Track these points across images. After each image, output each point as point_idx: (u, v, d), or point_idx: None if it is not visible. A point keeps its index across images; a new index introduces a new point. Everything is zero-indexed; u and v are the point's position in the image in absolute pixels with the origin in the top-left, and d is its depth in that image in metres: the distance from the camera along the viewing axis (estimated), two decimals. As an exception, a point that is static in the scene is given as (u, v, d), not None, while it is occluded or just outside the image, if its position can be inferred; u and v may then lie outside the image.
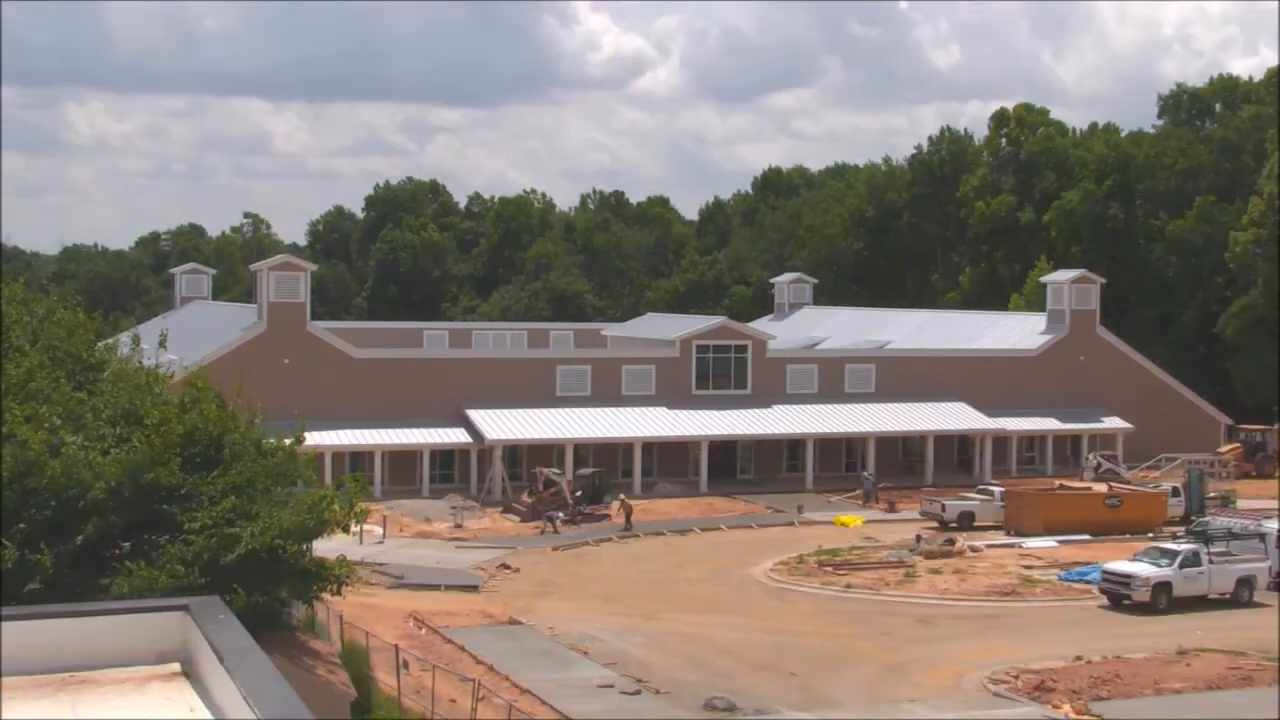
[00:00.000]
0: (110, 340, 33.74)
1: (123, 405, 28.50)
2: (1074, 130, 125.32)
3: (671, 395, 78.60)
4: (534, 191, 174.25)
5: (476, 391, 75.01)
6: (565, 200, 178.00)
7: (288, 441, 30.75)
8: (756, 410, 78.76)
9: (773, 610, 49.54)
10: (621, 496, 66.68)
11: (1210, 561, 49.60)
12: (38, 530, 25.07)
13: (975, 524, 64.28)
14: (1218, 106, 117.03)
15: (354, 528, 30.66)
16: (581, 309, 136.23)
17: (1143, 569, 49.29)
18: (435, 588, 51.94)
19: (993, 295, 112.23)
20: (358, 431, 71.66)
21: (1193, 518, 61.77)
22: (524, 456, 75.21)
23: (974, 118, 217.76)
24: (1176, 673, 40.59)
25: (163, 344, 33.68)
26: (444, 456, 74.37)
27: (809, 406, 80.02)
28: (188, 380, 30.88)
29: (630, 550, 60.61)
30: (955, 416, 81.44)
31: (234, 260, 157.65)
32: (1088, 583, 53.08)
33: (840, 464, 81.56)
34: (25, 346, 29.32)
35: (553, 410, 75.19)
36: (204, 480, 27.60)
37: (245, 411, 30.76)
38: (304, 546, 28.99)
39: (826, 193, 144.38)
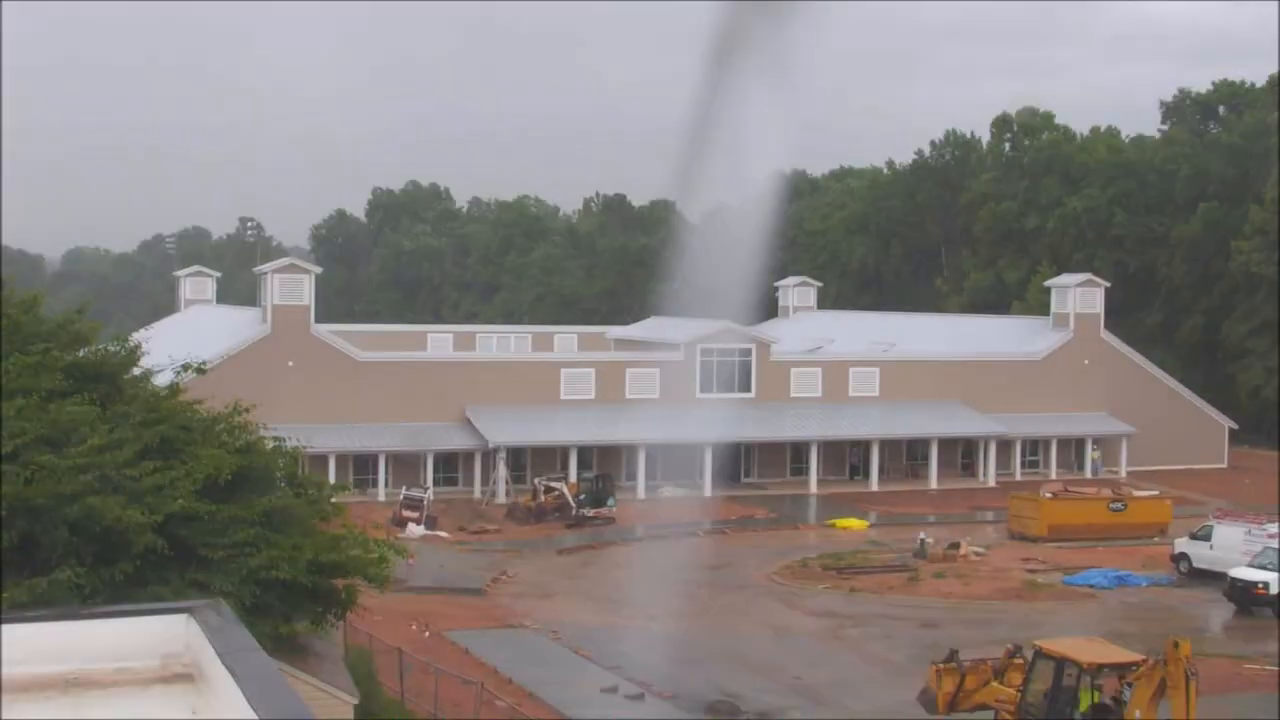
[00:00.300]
0: (134, 352, 33.33)
1: (154, 433, 28.13)
2: (1078, 134, 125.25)
3: (675, 398, 78.47)
4: (537, 197, 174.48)
5: (480, 394, 74.97)
6: (567, 203, 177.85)
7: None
8: (761, 413, 78.67)
9: (777, 613, 49.49)
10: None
11: None
12: (84, 574, 24.77)
13: None
14: (1221, 111, 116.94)
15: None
16: (587, 312, 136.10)
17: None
18: (439, 591, 51.91)
19: (997, 299, 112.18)
20: (361, 434, 71.62)
21: None
22: (528, 459, 75.20)
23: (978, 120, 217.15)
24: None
25: (200, 370, 33.22)
26: (448, 459, 74.35)
27: (813, 409, 79.95)
28: (231, 412, 30.65)
29: (633, 554, 60.56)
30: (959, 420, 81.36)
31: (237, 263, 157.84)
32: (1091, 586, 53.08)
33: (844, 467, 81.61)
34: (50, 357, 28.90)
35: (556, 413, 75.13)
36: (236, 507, 27.46)
37: (278, 440, 30.60)
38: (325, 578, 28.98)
39: (829, 197, 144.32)
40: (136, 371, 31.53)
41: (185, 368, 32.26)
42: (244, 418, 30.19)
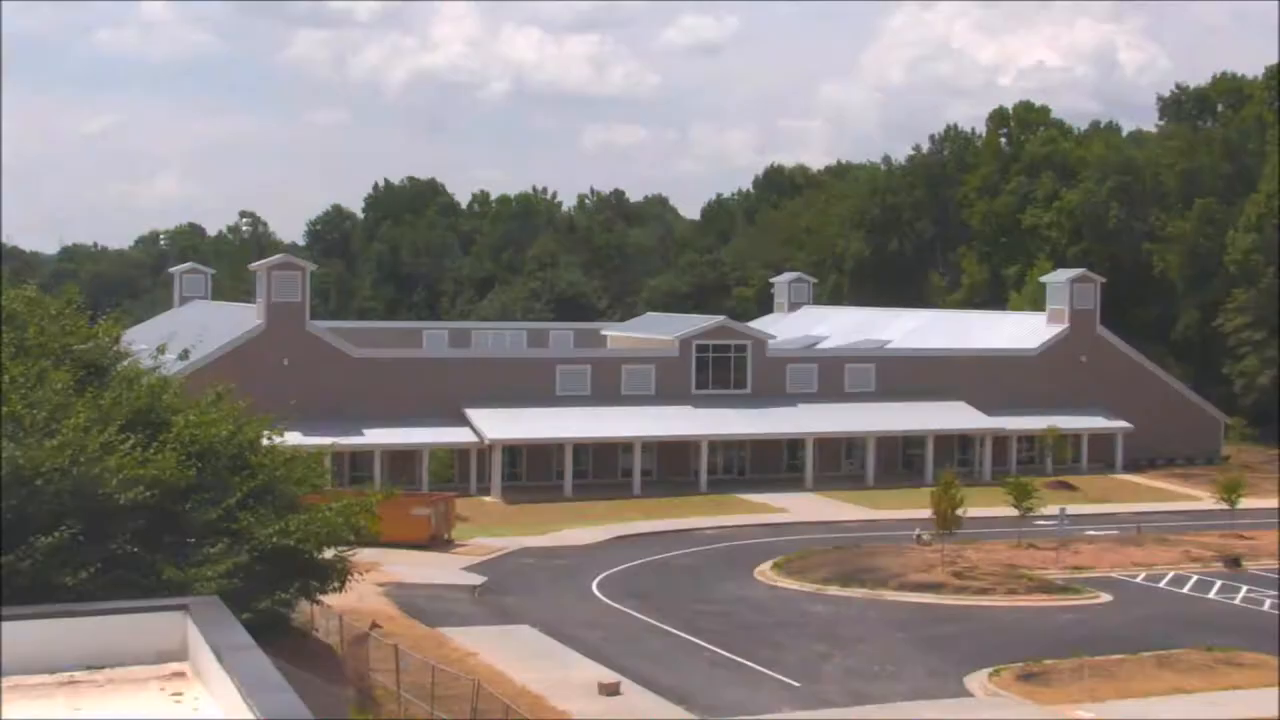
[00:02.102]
0: (117, 338, 33.80)
1: (137, 408, 28.54)
2: (1075, 129, 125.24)
3: (671, 395, 78.56)
4: (537, 190, 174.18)
5: (476, 391, 74.97)
6: (565, 198, 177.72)
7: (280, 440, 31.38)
8: (756, 410, 78.71)
9: (772, 609, 49.48)
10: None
11: None
12: (69, 540, 25.00)
13: None
14: (1219, 106, 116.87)
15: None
16: (583, 308, 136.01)
17: None
18: (436, 588, 51.96)
19: (994, 295, 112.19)
20: (357, 431, 71.53)
21: None
22: (524, 456, 75.23)
23: (976, 116, 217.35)
24: (1176, 670, 40.62)
25: (184, 356, 34.61)
26: (444, 456, 74.31)
27: (809, 406, 79.99)
28: (212, 389, 31.45)
29: (633, 549, 60.53)
30: (955, 416, 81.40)
31: (233, 260, 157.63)
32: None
33: (840, 463, 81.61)
34: (40, 347, 29.27)
35: (552, 410, 75.16)
36: (228, 480, 27.89)
37: (266, 419, 31.25)
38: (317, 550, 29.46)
39: (828, 192, 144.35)
40: (125, 362, 32.13)
41: (160, 350, 32.83)
42: (227, 401, 30.98)
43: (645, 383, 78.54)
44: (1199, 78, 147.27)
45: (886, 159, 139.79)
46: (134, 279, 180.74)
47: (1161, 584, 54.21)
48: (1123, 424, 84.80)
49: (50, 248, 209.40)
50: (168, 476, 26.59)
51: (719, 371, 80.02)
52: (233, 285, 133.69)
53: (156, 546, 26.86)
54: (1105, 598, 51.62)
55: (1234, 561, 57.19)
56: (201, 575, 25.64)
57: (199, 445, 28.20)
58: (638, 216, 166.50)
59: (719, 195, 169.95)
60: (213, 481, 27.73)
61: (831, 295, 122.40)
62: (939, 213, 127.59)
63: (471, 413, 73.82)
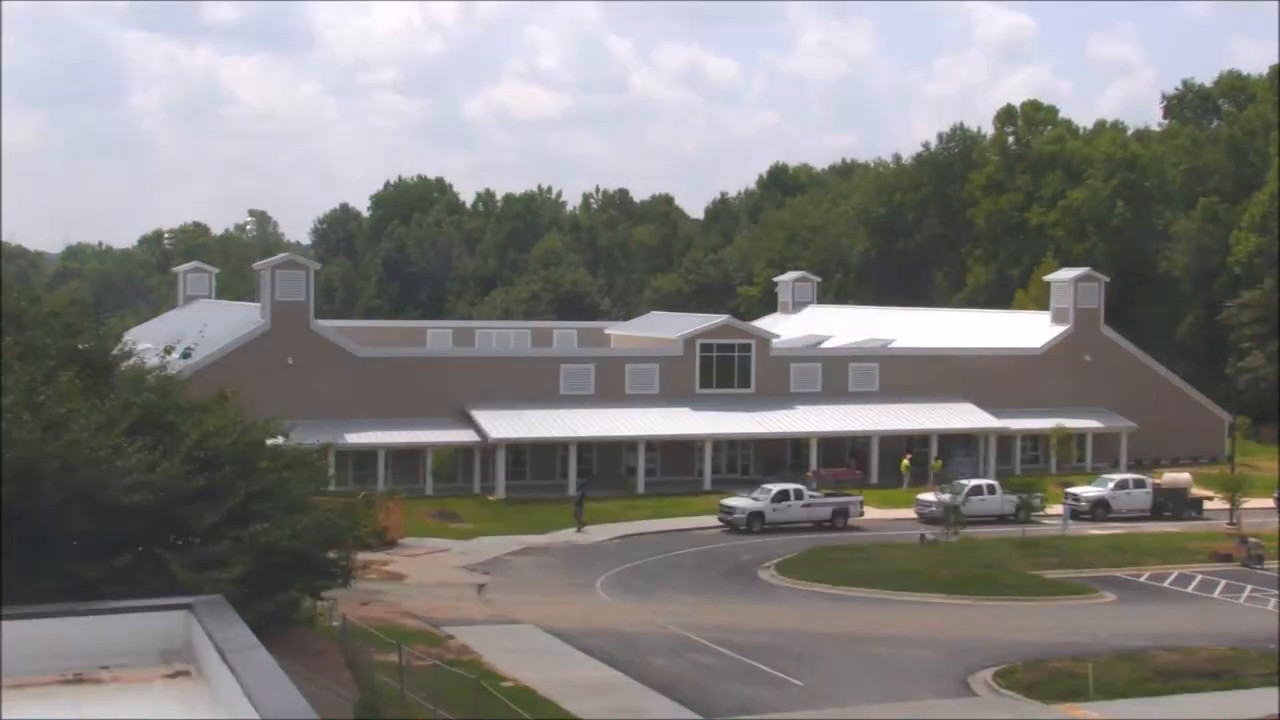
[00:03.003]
0: (119, 336, 33.94)
1: (145, 409, 28.60)
2: (1080, 128, 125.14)
3: (675, 394, 78.52)
4: (542, 189, 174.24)
5: (480, 390, 74.96)
6: (569, 197, 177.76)
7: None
8: (760, 409, 78.65)
9: (776, 609, 49.50)
10: None
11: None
12: (84, 541, 25.10)
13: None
14: (1224, 105, 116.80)
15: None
16: (587, 308, 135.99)
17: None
18: (439, 586, 51.97)
19: (999, 294, 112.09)
20: (361, 430, 71.54)
21: None
22: (528, 455, 75.20)
23: (982, 113, 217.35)
24: (1179, 669, 40.58)
25: (186, 354, 34.76)
26: (447, 455, 74.28)
27: (813, 405, 79.94)
28: (219, 393, 31.56)
29: (637, 548, 60.55)
30: (959, 415, 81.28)
31: (238, 259, 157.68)
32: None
33: (844, 463, 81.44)
34: (45, 347, 29.36)
35: (556, 409, 75.14)
36: (231, 484, 27.97)
37: (274, 421, 31.38)
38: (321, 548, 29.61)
39: (832, 191, 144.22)
40: (129, 361, 32.25)
41: (168, 350, 32.98)
42: (232, 401, 31.13)
43: (649, 382, 78.50)
44: (1203, 76, 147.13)
45: (897, 157, 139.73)
46: (138, 279, 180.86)
47: (1166, 583, 54.25)
48: (1127, 423, 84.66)
49: (54, 248, 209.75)
50: (176, 483, 26.69)
51: (723, 371, 79.96)
52: (238, 285, 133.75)
53: (165, 546, 26.95)
54: (1109, 597, 51.73)
55: (1258, 559, 57.16)
56: (211, 579, 25.69)
57: (206, 450, 28.25)
58: (642, 215, 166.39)
59: (723, 194, 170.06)
60: (217, 485, 27.77)
61: (836, 294, 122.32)
62: (944, 211, 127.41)
63: (475, 412, 73.81)
